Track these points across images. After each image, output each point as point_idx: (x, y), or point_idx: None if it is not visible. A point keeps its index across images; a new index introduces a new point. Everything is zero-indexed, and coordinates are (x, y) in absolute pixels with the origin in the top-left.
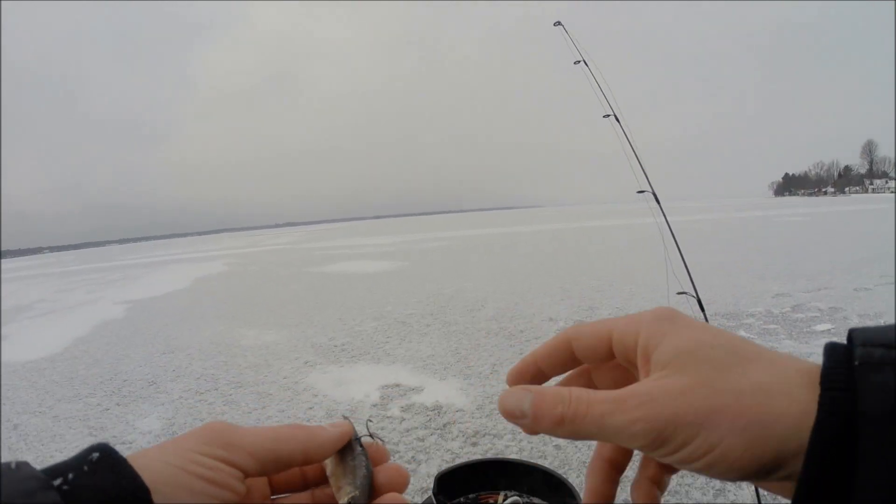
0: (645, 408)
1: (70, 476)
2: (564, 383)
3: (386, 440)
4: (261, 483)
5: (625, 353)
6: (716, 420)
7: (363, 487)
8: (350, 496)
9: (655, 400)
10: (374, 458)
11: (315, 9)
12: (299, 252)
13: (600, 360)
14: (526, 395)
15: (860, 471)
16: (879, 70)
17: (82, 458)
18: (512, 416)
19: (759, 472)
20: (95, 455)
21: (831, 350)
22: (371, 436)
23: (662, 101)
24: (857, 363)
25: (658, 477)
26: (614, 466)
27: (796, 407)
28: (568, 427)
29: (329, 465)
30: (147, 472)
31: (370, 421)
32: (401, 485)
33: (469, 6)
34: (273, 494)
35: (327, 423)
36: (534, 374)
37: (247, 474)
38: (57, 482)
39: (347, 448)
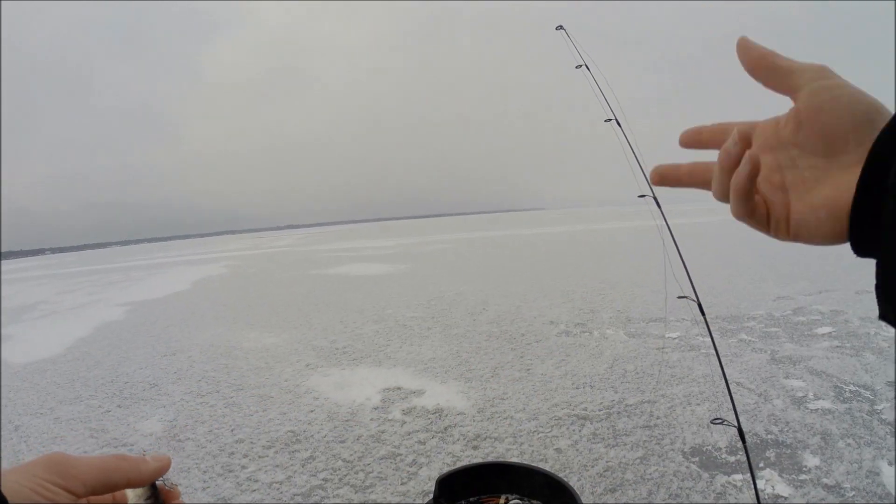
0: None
1: None
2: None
3: (389, 444)
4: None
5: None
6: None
7: None
8: None
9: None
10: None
11: (320, 7)
12: (300, 254)
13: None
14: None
15: None
16: (879, 69)
17: None
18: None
19: (860, 120)
20: None
21: None
22: (175, 484)
23: (663, 104)
24: None
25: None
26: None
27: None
28: None
29: (132, 495)
30: (7, 492)
31: (175, 485)
32: None
33: (473, 7)
34: None
35: (149, 455)
36: (694, 137)
37: (78, 496)
38: None
39: (152, 494)
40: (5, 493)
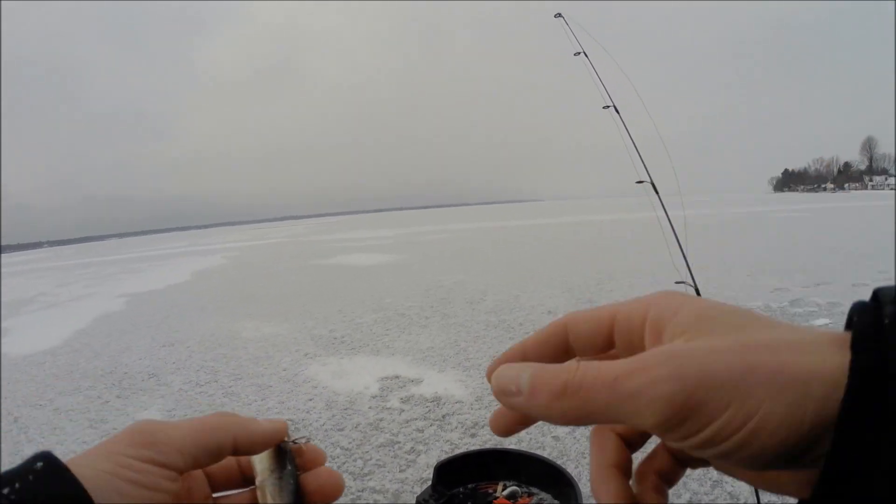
0: (670, 364)
1: (17, 485)
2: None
3: (388, 431)
4: (199, 481)
5: (629, 336)
6: (752, 379)
7: (289, 493)
8: None
9: (682, 356)
10: (310, 461)
11: (314, 3)
12: (299, 245)
13: (598, 351)
14: (525, 369)
15: (891, 431)
16: (879, 67)
17: (27, 468)
18: (506, 392)
19: (794, 451)
20: (39, 464)
21: (860, 310)
22: (307, 439)
23: (662, 96)
24: (886, 322)
25: (668, 468)
26: (622, 470)
27: (830, 363)
28: (570, 398)
29: (257, 464)
30: (89, 480)
31: (307, 440)
32: (332, 492)
33: None
34: (214, 492)
35: (263, 419)
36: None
37: (178, 471)
38: (5, 491)
39: (278, 459)
40: (86, 486)
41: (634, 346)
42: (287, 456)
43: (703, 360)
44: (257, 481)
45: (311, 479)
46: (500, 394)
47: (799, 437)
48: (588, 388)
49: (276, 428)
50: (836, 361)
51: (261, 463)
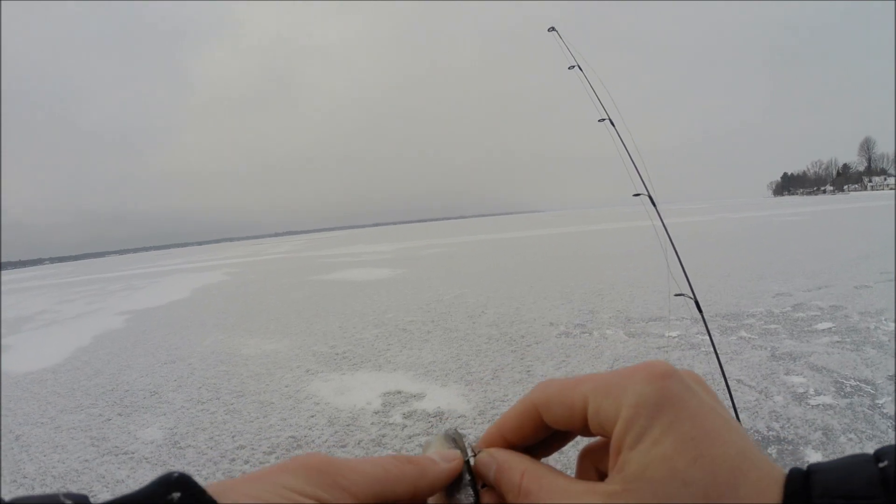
0: None
1: None
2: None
3: (390, 447)
4: None
5: (601, 428)
6: None
7: None
8: None
9: None
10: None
11: (310, 14)
12: (299, 261)
13: (573, 429)
14: (491, 466)
15: None
16: (876, 67)
17: (157, 492)
18: (485, 478)
19: None
20: (177, 496)
21: (791, 490)
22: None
23: (659, 105)
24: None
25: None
26: (508, 445)
27: None
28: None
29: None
30: None
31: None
32: None
33: (464, 9)
34: None
35: (435, 453)
36: (502, 447)
37: None
38: None
39: (459, 478)
40: None
41: (606, 434)
42: (466, 479)
43: None
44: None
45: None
46: (482, 478)
47: None
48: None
49: (454, 468)
50: None
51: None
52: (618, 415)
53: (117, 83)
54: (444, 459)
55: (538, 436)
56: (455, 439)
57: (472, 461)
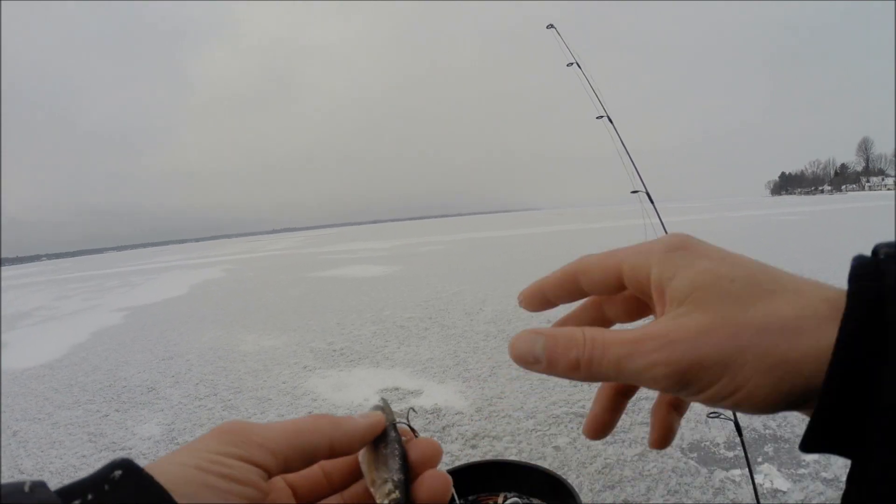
0: (664, 351)
1: (89, 497)
2: (574, 316)
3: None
4: (283, 493)
5: (638, 286)
6: (740, 360)
7: (402, 485)
8: (390, 498)
9: (674, 342)
10: (424, 456)
11: (309, 14)
12: (297, 257)
13: (611, 293)
14: (538, 339)
15: (890, 361)
16: (875, 68)
17: (103, 477)
18: (525, 361)
19: (789, 406)
20: (118, 473)
21: (858, 257)
22: (408, 424)
23: (659, 105)
24: (882, 256)
25: (677, 401)
26: (620, 392)
27: (824, 342)
28: (584, 372)
29: (362, 456)
30: (166, 477)
31: (413, 410)
32: (434, 458)
33: (464, 9)
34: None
35: (359, 414)
36: (541, 301)
37: (269, 472)
38: (76, 503)
39: (381, 436)
40: (167, 481)
41: (644, 293)
42: (390, 438)
43: (696, 344)
44: (361, 461)
45: (411, 451)
46: (520, 361)
47: (789, 401)
48: (597, 365)
49: (372, 423)
50: (829, 341)
51: (364, 453)
52: (650, 266)
53: (117, 82)
54: (363, 418)
55: (573, 298)
56: (382, 407)
57: (397, 426)
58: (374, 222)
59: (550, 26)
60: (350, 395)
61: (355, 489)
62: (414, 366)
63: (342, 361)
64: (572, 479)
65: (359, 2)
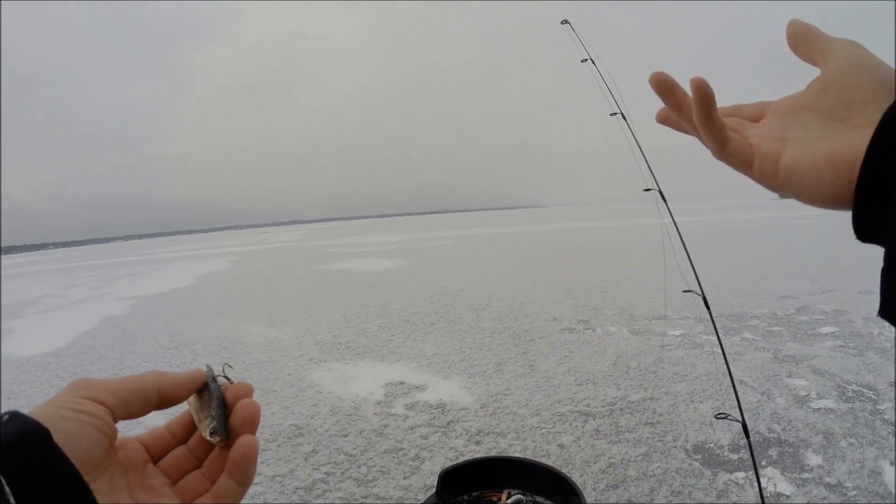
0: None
1: None
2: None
3: (392, 438)
4: (137, 451)
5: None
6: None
7: (219, 417)
8: (210, 427)
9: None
10: (238, 395)
11: (313, 10)
12: (304, 250)
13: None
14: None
15: None
16: None
17: None
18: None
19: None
20: (6, 416)
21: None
22: (226, 377)
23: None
24: None
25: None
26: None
27: None
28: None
29: (190, 404)
30: (36, 415)
31: (228, 366)
32: (246, 393)
33: (468, 8)
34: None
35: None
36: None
37: (112, 411)
38: None
39: (204, 388)
40: (37, 416)
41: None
42: (210, 388)
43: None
44: (192, 411)
45: (236, 412)
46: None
47: (885, 80)
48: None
49: (194, 375)
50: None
51: (191, 401)
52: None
53: (122, 74)
54: (187, 371)
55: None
56: (207, 367)
57: (219, 380)
58: (380, 216)
59: (565, 22)
60: (355, 388)
61: (195, 438)
62: (419, 360)
63: (348, 354)
64: (576, 478)
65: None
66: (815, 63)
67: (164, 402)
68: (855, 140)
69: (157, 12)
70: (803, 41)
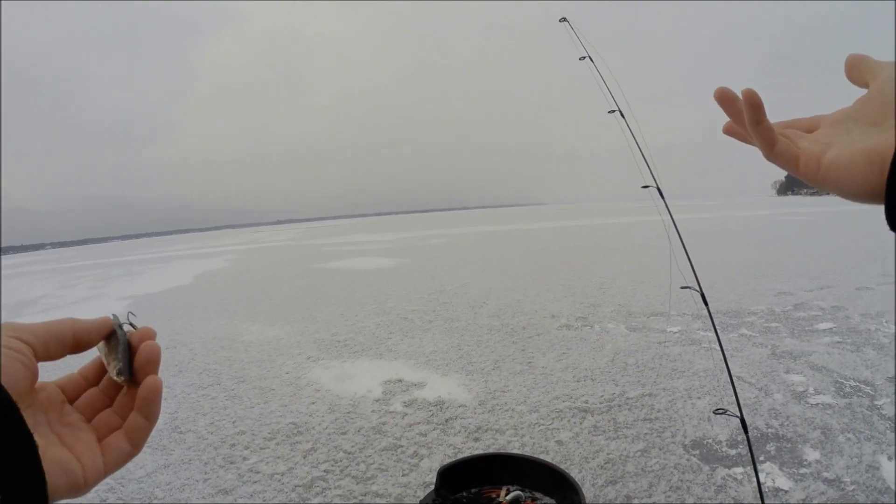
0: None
1: None
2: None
3: (391, 435)
4: (55, 392)
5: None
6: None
7: (125, 359)
8: (116, 368)
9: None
10: (142, 338)
11: (313, 9)
12: (301, 248)
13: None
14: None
15: None
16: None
17: None
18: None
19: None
20: None
21: None
22: (131, 324)
23: (665, 102)
24: None
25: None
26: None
27: None
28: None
29: (100, 350)
30: None
31: (132, 314)
32: (148, 337)
33: (467, 8)
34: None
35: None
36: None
37: (33, 348)
38: None
39: (112, 334)
40: None
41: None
42: (118, 334)
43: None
44: (101, 355)
45: (139, 354)
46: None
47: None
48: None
49: (102, 321)
50: None
51: (100, 347)
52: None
53: (122, 72)
54: (97, 318)
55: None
56: (114, 316)
57: (125, 328)
58: (378, 214)
59: (563, 20)
60: (353, 386)
61: (105, 380)
62: (417, 358)
63: (346, 353)
64: (575, 474)
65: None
66: (865, 85)
67: (77, 345)
68: (887, 139)
69: (161, 8)
70: (856, 68)
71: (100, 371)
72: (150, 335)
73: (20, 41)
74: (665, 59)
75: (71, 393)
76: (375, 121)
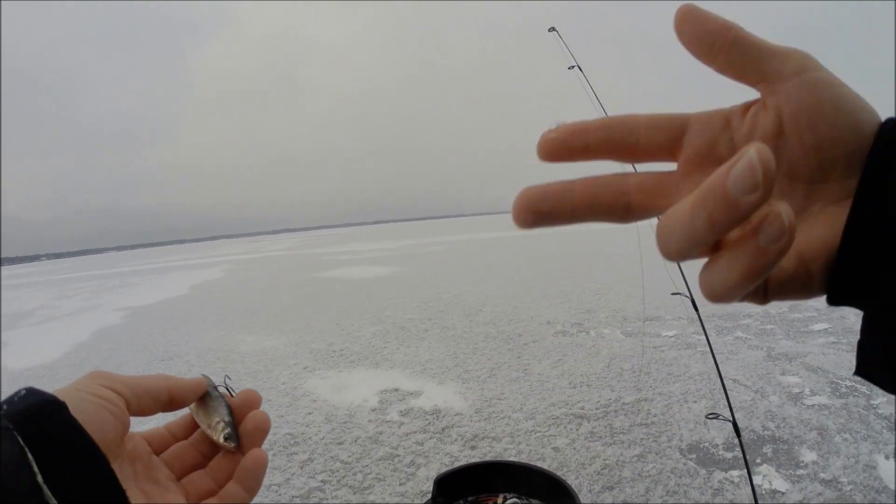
0: None
1: (4, 407)
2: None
3: (388, 445)
4: (141, 445)
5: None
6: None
7: (229, 422)
8: (224, 432)
9: None
10: (247, 401)
11: (312, 10)
12: (296, 258)
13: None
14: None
15: None
16: (878, 68)
17: (10, 396)
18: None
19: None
20: (23, 391)
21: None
22: (228, 388)
23: (665, 102)
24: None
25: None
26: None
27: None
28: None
29: (195, 412)
30: (56, 394)
31: (228, 378)
32: (255, 403)
33: (466, 9)
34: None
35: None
36: (577, 145)
37: (126, 401)
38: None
39: (206, 396)
40: (55, 394)
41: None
42: (212, 395)
43: None
44: (198, 420)
45: (247, 422)
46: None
47: (867, 124)
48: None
49: (198, 381)
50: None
51: (192, 408)
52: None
53: (118, 78)
54: (190, 379)
55: (614, 155)
56: (206, 377)
57: (218, 388)
58: (375, 223)
59: (552, 30)
60: (349, 396)
61: (195, 436)
62: (413, 367)
63: (342, 362)
64: (571, 480)
65: (363, 1)
66: (753, 83)
67: (171, 403)
68: (839, 224)
69: (158, 12)
70: (733, 50)
71: (188, 428)
72: (256, 402)
73: (20, 41)
74: (665, 58)
75: (157, 446)
76: (372, 129)
